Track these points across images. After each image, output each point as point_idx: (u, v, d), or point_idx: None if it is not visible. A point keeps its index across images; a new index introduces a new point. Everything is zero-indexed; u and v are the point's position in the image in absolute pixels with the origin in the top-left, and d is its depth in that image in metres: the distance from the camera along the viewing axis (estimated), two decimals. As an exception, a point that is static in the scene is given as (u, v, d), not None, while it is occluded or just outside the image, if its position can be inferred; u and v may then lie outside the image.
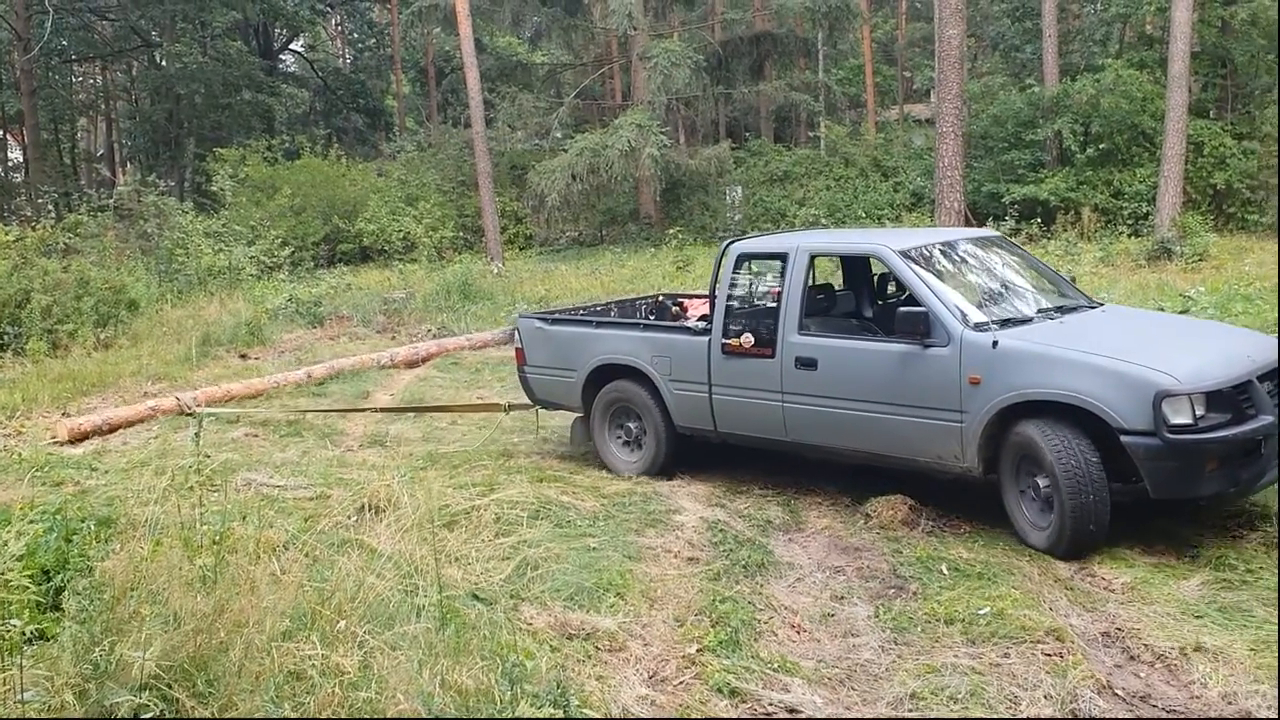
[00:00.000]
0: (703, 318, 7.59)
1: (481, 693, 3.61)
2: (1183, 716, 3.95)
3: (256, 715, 3.45)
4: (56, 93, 35.90)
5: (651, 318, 8.54)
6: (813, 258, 6.76)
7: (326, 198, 25.75)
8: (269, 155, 28.22)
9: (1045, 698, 3.99)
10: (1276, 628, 4.45)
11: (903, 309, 6.04)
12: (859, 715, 4.05)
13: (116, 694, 3.41)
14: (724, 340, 6.79)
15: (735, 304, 6.96)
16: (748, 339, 6.66)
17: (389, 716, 3.48)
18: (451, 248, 22.72)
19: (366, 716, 3.49)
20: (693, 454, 7.32)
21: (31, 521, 4.99)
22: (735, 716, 4.02)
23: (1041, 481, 5.44)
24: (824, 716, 4.04)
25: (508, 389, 9.96)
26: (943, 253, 6.69)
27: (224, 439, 8.71)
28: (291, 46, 43.80)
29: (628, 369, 7.31)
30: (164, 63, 35.19)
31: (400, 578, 4.63)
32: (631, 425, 7.41)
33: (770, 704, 4.09)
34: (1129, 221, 19.55)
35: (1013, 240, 9.28)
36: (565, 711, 3.65)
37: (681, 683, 4.22)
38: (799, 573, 5.49)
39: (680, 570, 5.46)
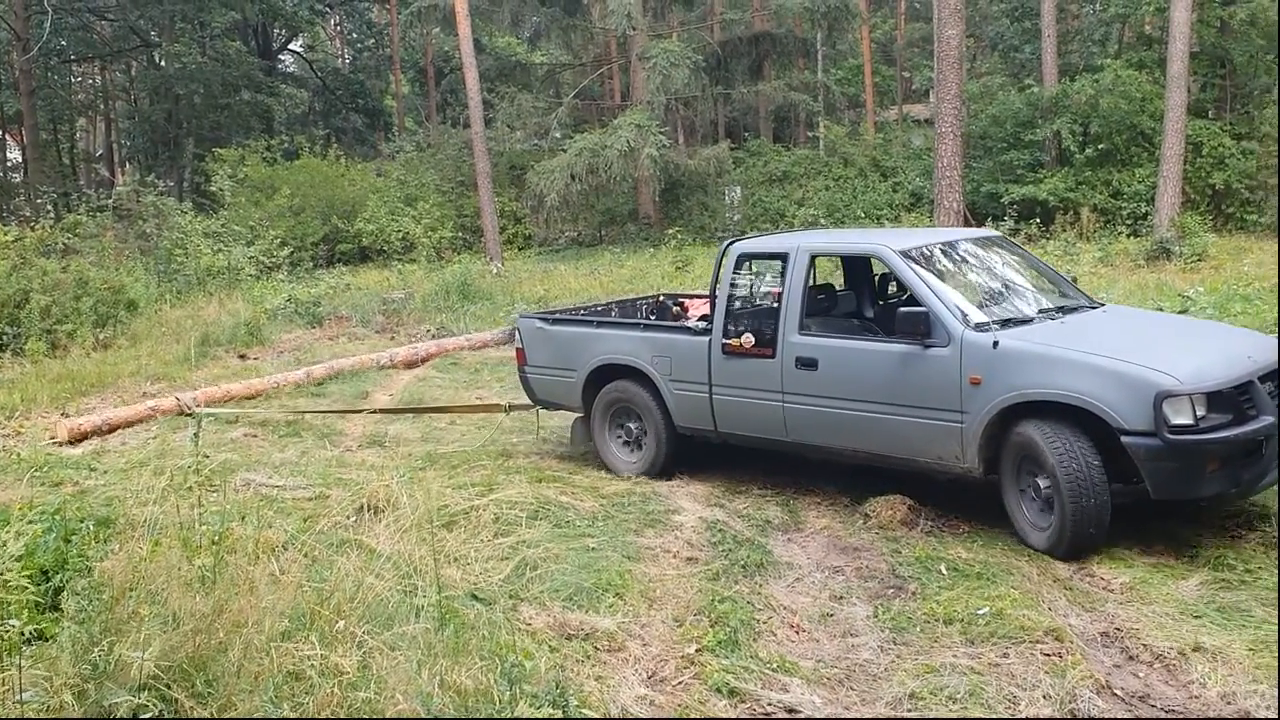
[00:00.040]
0: (703, 318, 7.58)
1: (480, 693, 3.61)
2: (1181, 716, 3.95)
3: (256, 715, 3.45)
4: (55, 93, 35.87)
5: (652, 318, 8.54)
6: (813, 258, 6.75)
7: (325, 198, 25.74)
8: (268, 155, 28.21)
9: (1044, 698, 3.99)
10: (1276, 628, 4.45)
11: (903, 309, 6.04)
12: (858, 715, 4.05)
13: (115, 694, 3.41)
14: (724, 340, 6.78)
15: (736, 304, 6.96)
16: (748, 339, 6.65)
17: (388, 717, 3.48)
18: (450, 248, 22.72)
19: (365, 717, 3.49)
20: (692, 454, 7.32)
21: (30, 522, 4.99)
22: (734, 716, 4.02)
23: (1042, 482, 5.43)
24: (823, 716, 4.03)
25: (507, 389, 9.96)
26: (943, 253, 6.69)
27: (223, 439, 8.71)
28: (290, 47, 43.78)
29: (628, 369, 7.31)
30: (163, 63, 35.17)
31: (399, 578, 4.63)
32: (632, 425, 7.40)
33: (769, 704, 4.08)
34: (1128, 222, 19.57)
35: (1013, 240, 9.28)
36: (564, 711, 3.65)
37: (680, 683, 4.22)
38: (798, 573, 5.48)
39: (679, 570, 5.46)
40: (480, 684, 3.65)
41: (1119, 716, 3.94)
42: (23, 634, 3.57)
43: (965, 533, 5.88)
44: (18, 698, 3.42)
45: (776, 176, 26.34)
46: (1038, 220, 19.75)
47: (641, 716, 3.97)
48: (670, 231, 21.70)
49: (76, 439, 8.92)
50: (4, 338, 12.64)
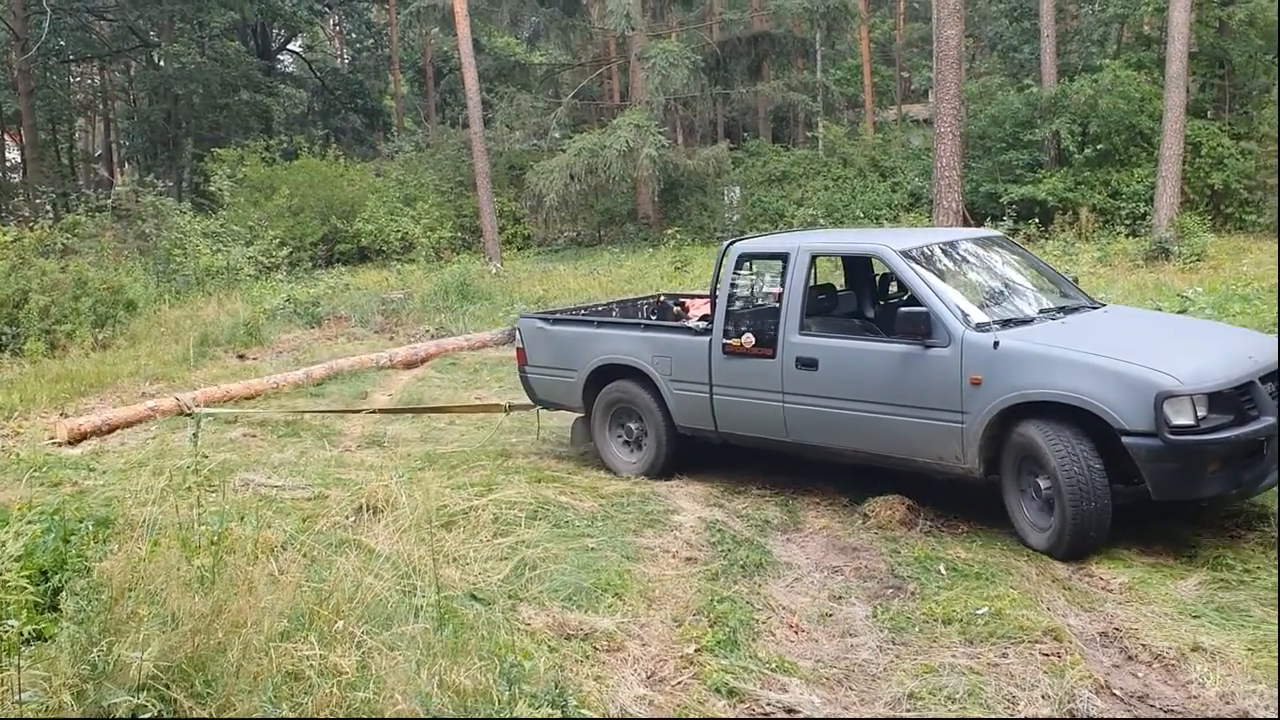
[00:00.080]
0: (704, 318, 7.58)
1: (479, 693, 3.61)
2: (1180, 716, 3.94)
3: (255, 715, 3.45)
4: (54, 93, 35.85)
5: (653, 318, 8.54)
6: (814, 258, 6.75)
7: (324, 198, 25.72)
8: (267, 155, 28.19)
9: (1043, 698, 3.99)
10: (1275, 628, 4.45)
11: (904, 309, 6.04)
12: (857, 715, 4.04)
13: (114, 694, 3.41)
14: (725, 340, 6.78)
15: (736, 304, 6.95)
16: (749, 339, 6.65)
17: (387, 717, 3.48)
18: (450, 248, 22.71)
19: (364, 717, 3.48)
20: (691, 454, 7.31)
21: (29, 522, 4.97)
22: (733, 716, 4.01)
23: (1042, 482, 5.43)
24: (822, 716, 4.03)
25: (506, 389, 9.96)
26: (944, 253, 6.69)
27: (222, 439, 8.70)
28: (289, 47, 43.77)
29: (628, 369, 7.30)
30: (162, 63, 35.13)
31: (398, 578, 4.63)
32: (632, 425, 7.40)
33: (768, 704, 4.08)
34: (1127, 222, 19.57)
35: (1014, 240, 9.28)
36: (563, 711, 3.65)
37: (679, 683, 4.22)
38: (797, 573, 5.48)
39: (678, 570, 5.46)
40: (479, 684, 3.64)
41: (1118, 716, 3.94)
42: (21, 634, 3.56)
43: (964, 533, 5.88)
44: (17, 698, 3.42)
45: (775, 177, 26.34)
46: (1036, 220, 19.75)
47: (640, 716, 3.96)
48: (669, 232, 21.69)
49: (75, 439, 8.91)
50: (3, 338, 12.62)
